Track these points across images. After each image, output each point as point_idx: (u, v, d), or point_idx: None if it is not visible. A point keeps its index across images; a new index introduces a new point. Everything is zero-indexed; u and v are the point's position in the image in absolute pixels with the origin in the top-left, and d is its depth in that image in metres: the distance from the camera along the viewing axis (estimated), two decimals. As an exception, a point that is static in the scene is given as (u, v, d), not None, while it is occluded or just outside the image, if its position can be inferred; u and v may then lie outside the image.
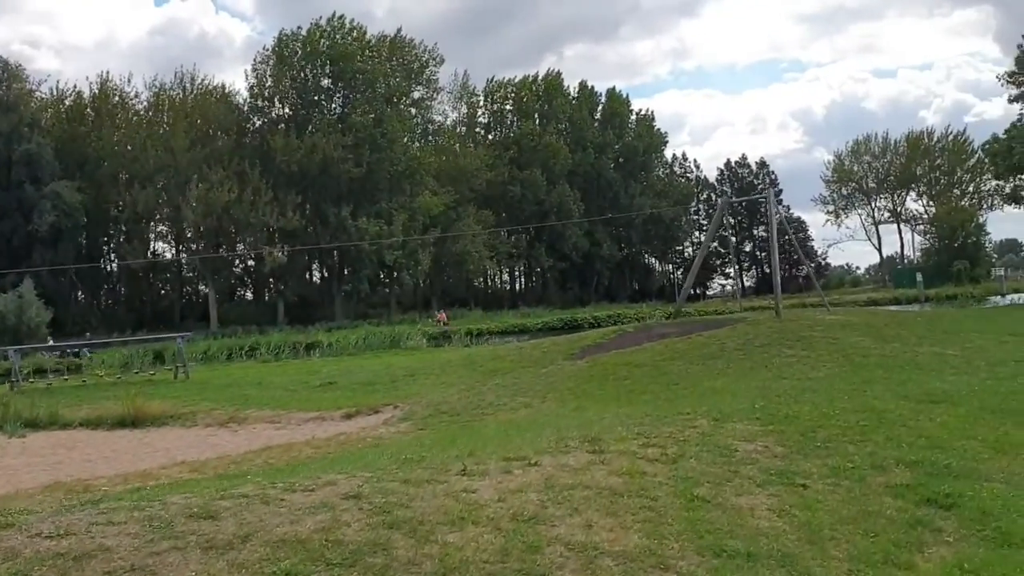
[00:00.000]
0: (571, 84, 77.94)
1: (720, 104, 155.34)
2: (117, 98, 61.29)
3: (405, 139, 62.88)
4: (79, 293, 64.01)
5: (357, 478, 5.99)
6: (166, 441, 14.39)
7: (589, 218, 68.52)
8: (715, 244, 69.25)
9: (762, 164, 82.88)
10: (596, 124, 77.46)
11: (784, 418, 9.20)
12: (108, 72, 63.59)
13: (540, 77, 75.13)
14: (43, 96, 60.77)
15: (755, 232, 79.62)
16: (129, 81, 64.67)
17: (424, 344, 33.57)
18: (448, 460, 6.99)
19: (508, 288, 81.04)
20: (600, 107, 78.72)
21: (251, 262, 64.72)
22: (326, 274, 68.15)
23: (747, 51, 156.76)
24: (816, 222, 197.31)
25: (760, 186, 75.17)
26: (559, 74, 75.80)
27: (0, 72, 55.77)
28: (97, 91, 61.00)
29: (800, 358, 15.46)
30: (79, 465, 12.15)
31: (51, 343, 37.25)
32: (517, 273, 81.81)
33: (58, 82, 62.79)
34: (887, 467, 7.12)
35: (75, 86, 62.60)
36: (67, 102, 61.40)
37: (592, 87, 78.36)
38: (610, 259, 74.67)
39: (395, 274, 62.26)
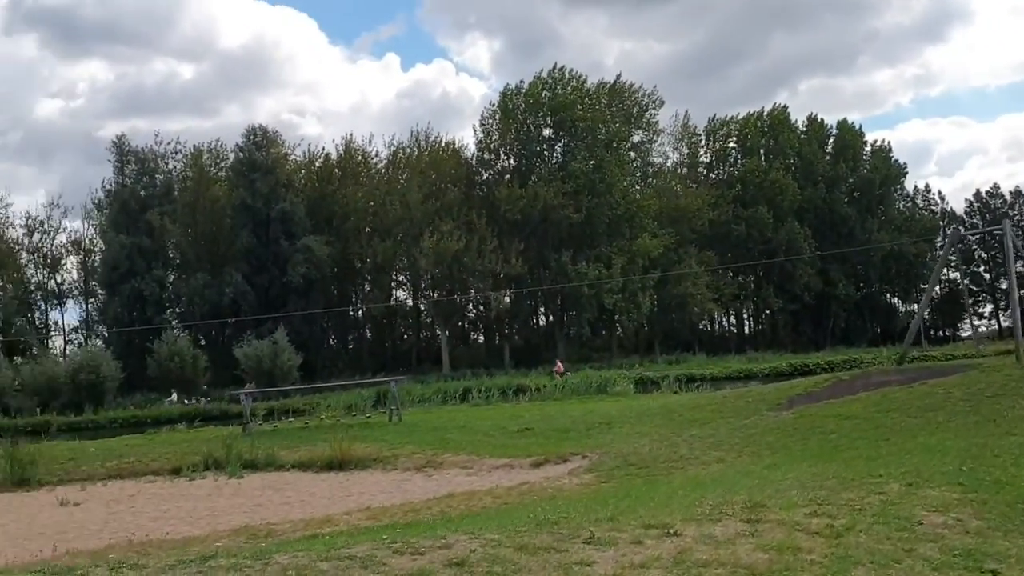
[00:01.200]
0: (799, 118, 75.17)
1: (971, 132, 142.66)
2: (360, 158, 66.52)
3: (624, 183, 63.21)
4: (331, 339, 69.49)
5: (478, 540, 6.01)
6: (363, 485, 15.22)
7: (821, 252, 65.34)
8: (967, 281, 63.46)
9: (1017, 193, 75.18)
10: (827, 158, 73.90)
11: (992, 484, 8.20)
12: (352, 134, 69.24)
13: (765, 112, 73.00)
14: (297, 159, 67.16)
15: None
16: (370, 142, 69.90)
17: (631, 390, 33.29)
18: (584, 524, 6.86)
19: (735, 331, 78.62)
20: (831, 140, 75.10)
21: (480, 307, 67.52)
22: (550, 318, 69.52)
23: (999, 74, 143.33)
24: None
25: (1016, 216, 68.12)
26: (785, 108, 73.35)
27: (261, 139, 62.25)
28: (342, 152, 66.55)
29: (1039, 411, 13.83)
30: (276, 508, 13.13)
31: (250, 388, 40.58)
32: (745, 316, 79.22)
33: (310, 145, 68.99)
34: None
35: (323, 148, 68.80)
36: (317, 163, 67.45)
37: (822, 120, 75.11)
38: (846, 299, 70.41)
39: (615, 317, 62.40)
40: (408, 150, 65.54)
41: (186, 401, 51.22)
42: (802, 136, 73.29)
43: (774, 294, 68.02)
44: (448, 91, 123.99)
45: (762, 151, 71.79)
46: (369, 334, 72.64)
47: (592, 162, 62.03)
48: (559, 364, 50.44)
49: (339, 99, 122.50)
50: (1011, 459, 9.64)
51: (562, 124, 63.47)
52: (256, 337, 54.01)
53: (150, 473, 17.34)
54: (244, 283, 59.44)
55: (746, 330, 79.07)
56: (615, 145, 64.29)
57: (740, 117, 72.83)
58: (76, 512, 13.28)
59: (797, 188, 68.70)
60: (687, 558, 5.73)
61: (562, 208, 59.53)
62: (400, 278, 69.73)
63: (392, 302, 70.18)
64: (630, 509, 8.02)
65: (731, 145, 73.29)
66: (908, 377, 18.84)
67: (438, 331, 64.54)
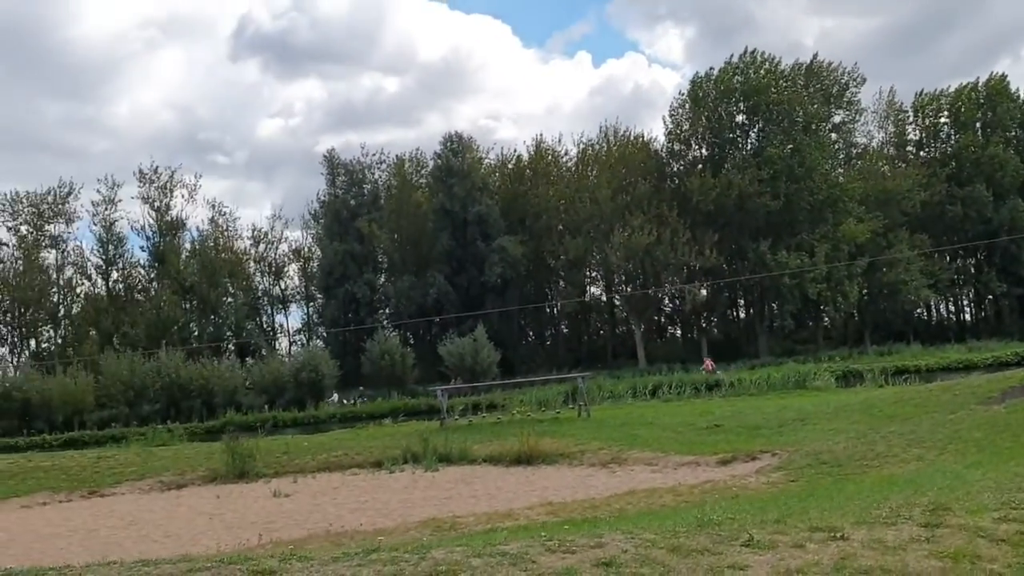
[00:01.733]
0: (1021, 87, 68.49)
1: None
2: (550, 157, 67.53)
3: (825, 166, 60.21)
4: (529, 335, 71.11)
5: (634, 540, 6.03)
6: (548, 480, 15.59)
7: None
8: None
9: None
10: (1057, 126, 66.91)
11: None
12: (542, 135, 70.34)
13: (981, 84, 67.03)
14: (491, 162, 69.22)
15: None
16: (560, 140, 70.76)
17: (832, 383, 31.70)
18: (748, 526, 6.73)
19: (954, 319, 72.90)
20: (1060, 107, 67.91)
21: (676, 301, 66.64)
22: (750, 311, 67.49)
23: None
24: None
25: None
26: (1004, 77, 66.91)
27: (456, 145, 64.68)
28: (533, 153, 67.85)
29: None
30: (464, 501, 13.74)
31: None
32: (965, 302, 73.28)
33: (503, 148, 70.80)
34: None
35: (515, 151, 70.36)
36: (509, 165, 69.15)
37: (1050, 84, 68.03)
38: (1081, 282, 63.59)
39: (820, 308, 59.64)
40: (597, 146, 65.81)
41: (344, 401, 54.05)
42: (1024, 105, 66.74)
43: (997, 278, 62.36)
44: (640, 84, 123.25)
45: (978, 125, 65.99)
46: (565, 330, 73.61)
47: (789, 146, 59.53)
48: (708, 362, 49.38)
49: (533, 101, 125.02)
50: None
51: (756, 109, 61.39)
52: (458, 335, 56.31)
53: (355, 466, 18.57)
54: (446, 283, 62.07)
55: (966, 317, 73.11)
56: (814, 127, 61.38)
57: (951, 90, 67.35)
58: (286, 503, 14.52)
59: (1020, 162, 62.62)
60: (849, 564, 5.47)
61: (758, 196, 57.61)
62: (593, 274, 70.10)
63: (586, 298, 70.73)
64: (802, 510, 7.78)
65: (943, 120, 67.82)
66: None
67: (632, 326, 64.32)
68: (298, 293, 76.19)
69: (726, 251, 61.50)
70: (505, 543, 6.04)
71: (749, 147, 62.45)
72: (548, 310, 70.64)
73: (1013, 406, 16.02)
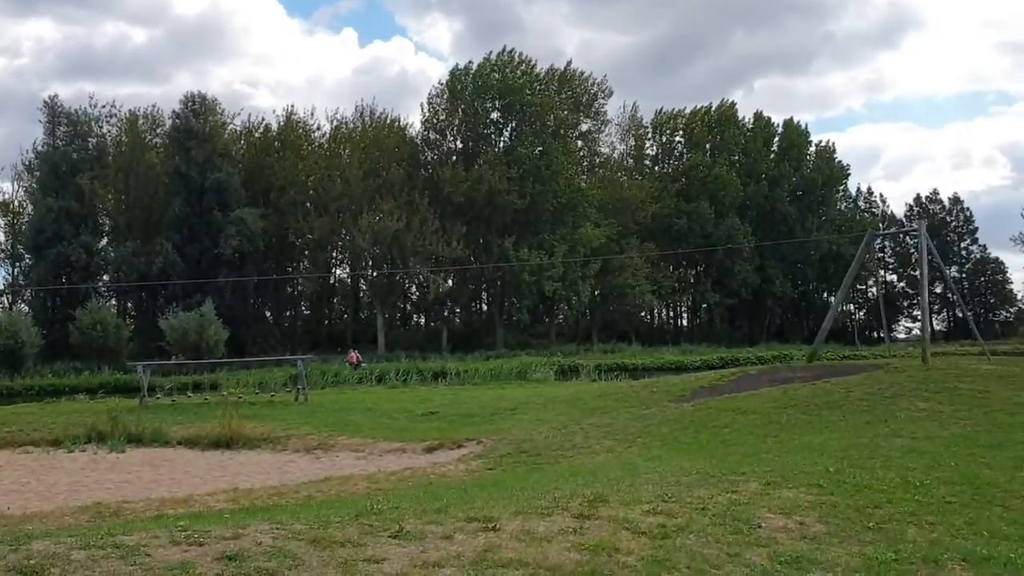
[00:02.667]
0: (746, 115, 75.47)
1: (919, 138, 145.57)
2: (301, 131, 65.01)
3: (570, 171, 62.80)
4: (268, 314, 68.01)
5: (280, 531, 5.51)
6: (243, 465, 14.58)
7: (760, 244, 65.71)
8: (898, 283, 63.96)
9: (955, 200, 76.54)
10: (772, 156, 74.40)
11: (852, 487, 8.00)
12: (293, 106, 67.62)
13: (713, 108, 73.08)
14: (236, 128, 65.44)
15: (948, 272, 73.46)
16: (312, 114, 68.11)
17: (552, 376, 32.88)
18: (406, 516, 6.35)
19: (672, 324, 78.97)
20: (777, 138, 75.58)
21: (417, 290, 66.72)
22: (490, 304, 69.02)
23: (948, 83, 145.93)
24: (1020, 264, 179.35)
25: (952, 223, 69.40)
26: (733, 104, 73.51)
27: (199, 106, 60.48)
28: (283, 123, 65.01)
29: (932, 413, 13.71)
30: (144, 485, 12.44)
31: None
32: (682, 309, 79.62)
33: (250, 115, 66.86)
34: (943, 562, 5.80)
35: (262, 119, 67.04)
36: (256, 134, 65.77)
37: (768, 118, 75.51)
38: (783, 296, 71.15)
39: (555, 305, 62.13)
40: (352, 125, 64.29)
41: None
42: (748, 133, 73.61)
43: (712, 288, 68.34)
44: (407, 69, 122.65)
45: (708, 146, 71.93)
46: (306, 311, 71.43)
47: (539, 148, 61.49)
48: (352, 354, 49.09)
49: (294, 72, 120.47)
50: (882, 461, 9.47)
51: (511, 108, 62.74)
52: (184, 309, 52.57)
53: (29, 443, 16.48)
54: (174, 252, 57.73)
55: (683, 323, 79.57)
56: (563, 132, 63.84)
57: (687, 111, 72.89)
58: (-78, 483, 12.38)
59: (740, 184, 69.00)
60: (491, 556, 5.32)
61: (507, 193, 58.89)
62: (339, 256, 68.49)
63: (332, 281, 69.06)
64: (471, 500, 7.56)
65: (677, 139, 73.36)
66: (814, 374, 18.74)
67: (376, 311, 63.54)
68: (3, 251, 67.92)
69: (473, 244, 62.43)
70: (127, 533, 5.27)
71: (502, 145, 63.73)
72: (289, 290, 68.07)
73: (700, 404, 17.10)
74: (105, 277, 62.80)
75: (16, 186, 66.07)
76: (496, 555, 5.31)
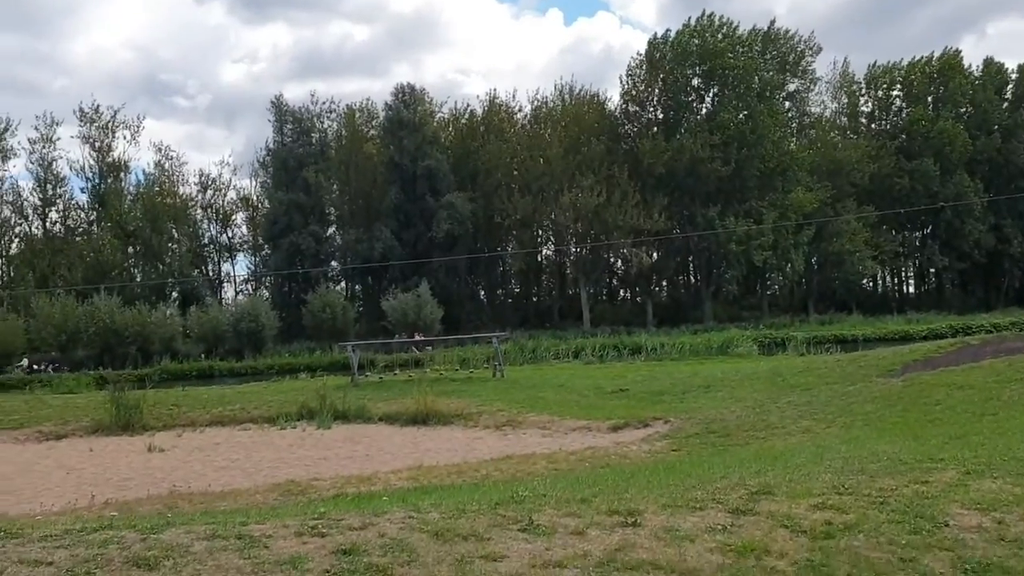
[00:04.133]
0: (973, 63, 68.63)
1: None
2: (503, 113, 66.56)
3: (777, 134, 60.08)
4: (481, 293, 70.64)
5: (410, 520, 5.50)
6: (434, 441, 15.26)
7: (994, 199, 59.82)
8: None
9: None
10: (1005, 105, 67.18)
11: (1074, 480, 6.96)
12: (495, 90, 69.30)
13: (935, 58, 66.99)
14: (443, 116, 68.10)
15: None
16: (514, 97, 69.32)
17: (755, 351, 31.70)
18: (546, 506, 6.27)
19: (896, 291, 73.73)
20: (1010, 86, 68.07)
21: (622, 264, 66.61)
22: (696, 276, 67.67)
23: None
24: None
25: None
26: (958, 52, 66.98)
27: (408, 97, 63.43)
28: (487, 108, 66.82)
29: None
30: (339, 462, 13.36)
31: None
32: (908, 275, 74.12)
33: (456, 103, 69.23)
34: None
35: (467, 105, 69.24)
36: (462, 120, 68.08)
37: (1001, 64, 68.08)
38: (1022, 258, 64.40)
39: (766, 275, 59.93)
40: (552, 104, 64.99)
41: (35, 368, 51.02)
42: (976, 82, 66.84)
43: (940, 251, 63.10)
44: (611, 45, 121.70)
45: (929, 99, 66.13)
46: (517, 289, 73.33)
47: (743, 112, 59.37)
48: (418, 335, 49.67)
49: (503, 57, 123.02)
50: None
51: (712, 73, 60.94)
52: (403, 291, 55.73)
53: (248, 421, 18.08)
54: (392, 238, 61.22)
55: (909, 290, 74.05)
56: (768, 94, 61.14)
57: (904, 64, 67.26)
58: (156, 459, 14.00)
59: (968, 138, 62.95)
60: (620, 557, 4.95)
61: (710, 161, 57.43)
62: (544, 234, 69.67)
63: (539, 259, 70.38)
64: (619, 490, 7.40)
65: (895, 94, 67.92)
66: (1050, 343, 16.89)
67: (580, 287, 64.17)
68: (246, 242, 74.91)
69: (676, 215, 61.40)
70: (260, 522, 5.57)
71: (703, 112, 62.08)
72: (500, 268, 70.17)
73: (910, 379, 15.93)
74: (333, 263, 67.69)
75: (254, 182, 72.63)
76: (627, 555, 4.97)
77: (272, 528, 5.34)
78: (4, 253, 69.80)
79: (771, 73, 61.42)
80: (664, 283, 70.18)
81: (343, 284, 68.79)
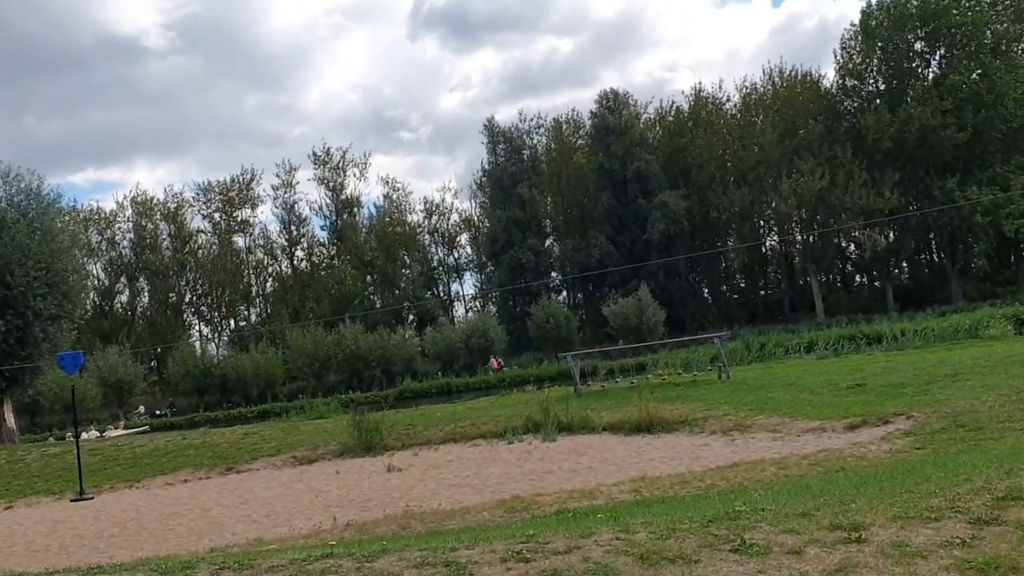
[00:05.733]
0: None
1: None
2: (711, 106, 65.01)
3: (1019, 91, 54.25)
4: (704, 291, 69.32)
5: (617, 542, 5.41)
6: (658, 451, 14.98)
7: None
8: None
9: None
10: None
11: None
12: (700, 83, 67.83)
13: None
14: (649, 116, 67.61)
15: None
16: (720, 87, 67.44)
17: (1010, 331, 28.52)
18: (762, 522, 5.94)
19: None
20: None
21: (856, 248, 62.80)
22: (939, 254, 62.42)
23: None
24: None
25: None
26: None
27: (612, 102, 63.56)
28: (692, 103, 65.55)
29: None
30: (561, 475, 13.45)
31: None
32: None
33: (661, 101, 68.33)
34: None
35: (672, 102, 68.22)
36: (669, 119, 67.21)
37: None
38: None
39: (1021, 246, 54.25)
40: (762, 89, 62.64)
41: (157, 413, 53.90)
42: None
43: None
44: (826, 18, 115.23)
45: None
46: (742, 284, 71.16)
47: (977, 72, 54.21)
48: (493, 361, 49.51)
49: (711, 48, 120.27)
50: None
51: (936, 34, 56.16)
52: (623, 295, 55.77)
53: (479, 437, 18.63)
54: (608, 244, 61.55)
55: None
56: (1004, 48, 55.42)
57: None
58: (394, 479, 14.78)
59: None
60: None
61: (942, 128, 52.92)
62: (764, 224, 67.14)
63: (764, 250, 67.93)
64: (844, 500, 6.93)
65: None
66: None
67: (810, 277, 61.15)
68: (471, 261, 78.11)
69: (910, 191, 57.12)
70: (469, 547, 5.70)
71: (930, 77, 57.34)
72: (722, 263, 68.42)
73: None
74: (553, 274, 69.00)
75: (473, 203, 75.70)
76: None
77: (479, 554, 5.43)
78: (261, 292, 77.11)
79: (1005, 24, 55.71)
80: (904, 264, 65.29)
81: (564, 294, 69.88)
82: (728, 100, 65.58)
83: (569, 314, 59.71)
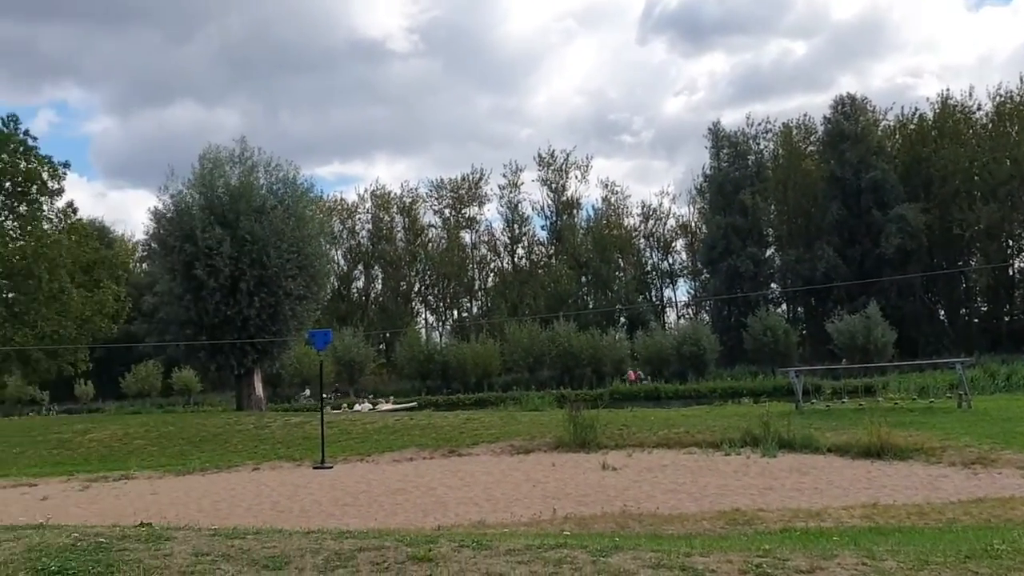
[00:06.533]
0: None
1: None
2: (959, 114, 60.26)
3: None
4: (941, 313, 64.42)
5: (863, 568, 5.32)
6: (890, 478, 14.18)
7: None
8: None
9: None
10: None
11: None
12: (948, 90, 62.70)
13: None
14: (888, 124, 63.64)
15: None
16: (971, 95, 61.95)
17: None
18: None
19: None
20: None
21: None
22: None
23: None
24: None
25: None
26: None
27: (848, 108, 60.44)
28: (938, 111, 61.01)
29: None
30: (784, 492, 13.06)
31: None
32: None
33: (903, 108, 63.75)
34: None
35: (915, 109, 63.71)
36: (911, 127, 62.95)
37: None
38: None
39: None
40: (1018, 98, 57.22)
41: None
42: None
43: None
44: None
45: None
46: (984, 308, 65.39)
47: None
48: (631, 373, 48.01)
49: (961, 53, 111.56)
50: None
51: None
52: (849, 312, 53.00)
53: (693, 445, 18.42)
54: (835, 256, 58.74)
55: None
56: None
57: None
58: (609, 477, 14.97)
59: None
60: None
61: None
62: (1014, 244, 61.28)
63: (1010, 272, 62.14)
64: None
65: None
66: None
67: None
68: (685, 268, 77.21)
69: None
70: (704, 554, 5.73)
71: None
72: (962, 285, 63.25)
73: None
74: (772, 285, 66.70)
75: (692, 209, 74.74)
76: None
77: (715, 562, 5.46)
78: (483, 286, 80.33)
79: None
80: None
81: (784, 306, 67.23)
82: (979, 108, 60.50)
83: (788, 328, 57.43)
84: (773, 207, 67.52)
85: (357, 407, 42.43)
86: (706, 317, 68.63)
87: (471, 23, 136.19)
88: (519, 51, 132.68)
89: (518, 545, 5.80)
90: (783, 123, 68.06)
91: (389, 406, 43.12)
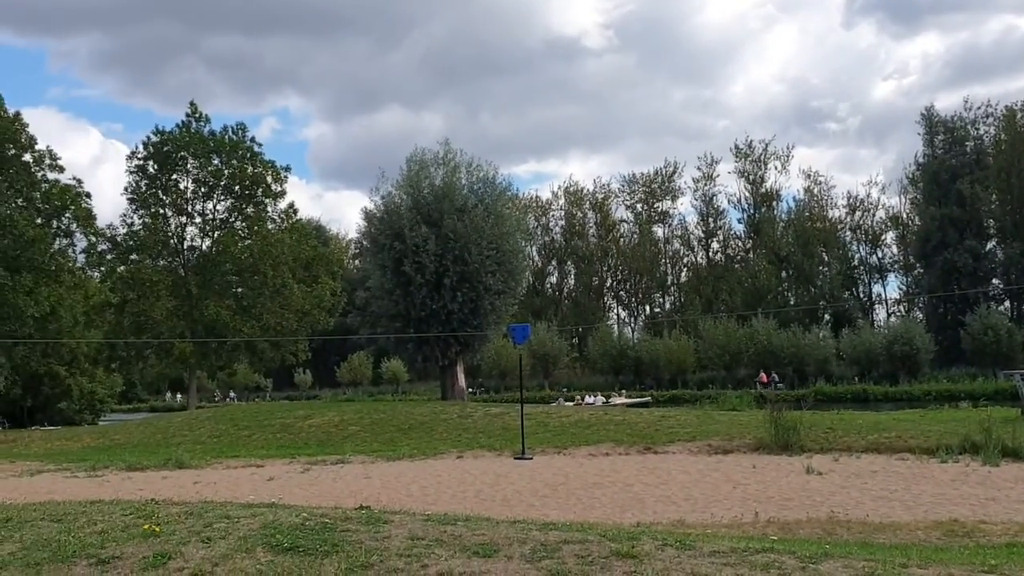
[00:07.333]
0: None
1: None
2: None
3: None
4: None
5: None
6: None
7: None
8: None
9: None
10: None
11: None
12: None
13: None
14: None
15: None
16: None
17: None
18: None
19: None
20: None
21: None
22: None
23: None
24: None
25: None
26: None
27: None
28: None
29: None
30: (1008, 504, 12.17)
31: None
32: None
33: None
34: None
35: None
36: None
37: None
38: None
39: None
40: None
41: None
42: None
43: None
44: None
45: None
46: None
47: None
48: (763, 375, 46.94)
49: None
50: None
51: None
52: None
53: (905, 451, 17.50)
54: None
55: None
56: None
57: None
58: (814, 481, 14.51)
59: None
60: None
61: None
62: None
63: None
64: None
65: None
66: None
67: None
68: (896, 262, 72.79)
69: None
70: (922, 566, 5.53)
71: None
72: None
73: None
74: (994, 280, 61.62)
75: (903, 199, 70.24)
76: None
77: (934, 575, 5.30)
78: (676, 281, 79.42)
79: None
80: None
81: (1007, 304, 61.78)
82: None
83: (1013, 327, 52.92)
84: (994, 196, 62.18)
85: (589, 400, 43.52)
86: (919, 315, 64.33)
87: (665, 15, 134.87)
88: (715, 40, 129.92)
89: (722, 547, 5.82)
90: (1006, 106, 62.47)
91: (622, 401, 43.75)
